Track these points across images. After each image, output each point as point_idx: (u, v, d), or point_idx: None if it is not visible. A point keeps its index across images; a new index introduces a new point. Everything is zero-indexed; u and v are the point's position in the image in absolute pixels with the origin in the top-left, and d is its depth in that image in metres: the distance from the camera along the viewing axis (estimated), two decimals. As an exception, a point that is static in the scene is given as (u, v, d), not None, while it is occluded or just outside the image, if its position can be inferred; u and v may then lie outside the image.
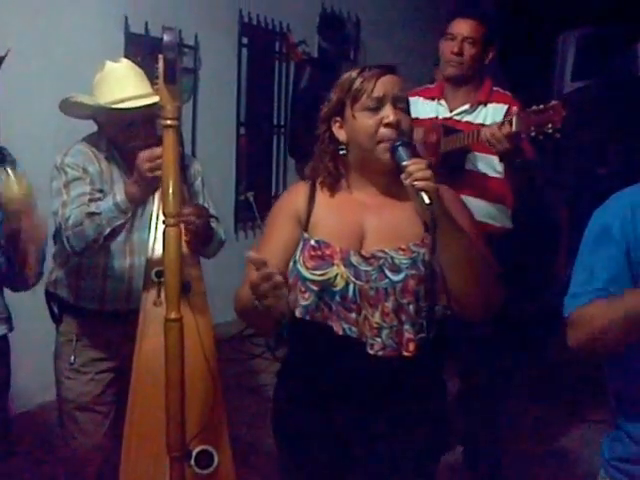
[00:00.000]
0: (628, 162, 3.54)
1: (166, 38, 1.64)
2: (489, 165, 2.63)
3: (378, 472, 1.65)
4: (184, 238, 2.00)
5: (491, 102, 2.67)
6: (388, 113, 1.56)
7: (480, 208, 2.67)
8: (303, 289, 1.59)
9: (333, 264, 1.57)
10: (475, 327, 2.74)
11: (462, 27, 2.67)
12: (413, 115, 2.77)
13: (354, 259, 1.58)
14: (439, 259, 1.55)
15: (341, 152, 1.64)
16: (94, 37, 3.63)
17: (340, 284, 1.57)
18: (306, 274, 1.58)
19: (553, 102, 2.19)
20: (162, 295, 2.03)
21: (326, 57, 5.27)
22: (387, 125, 1.56)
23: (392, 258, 1.57)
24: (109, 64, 2.21)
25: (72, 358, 2.29)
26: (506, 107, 2.62)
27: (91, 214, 2.05)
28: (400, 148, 1.53)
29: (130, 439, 2.01)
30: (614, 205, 1.56)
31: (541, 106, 2.21)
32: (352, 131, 1.61)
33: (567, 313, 1.53)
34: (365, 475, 1.67)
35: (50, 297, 2.36)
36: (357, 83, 1.59)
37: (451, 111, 2.71)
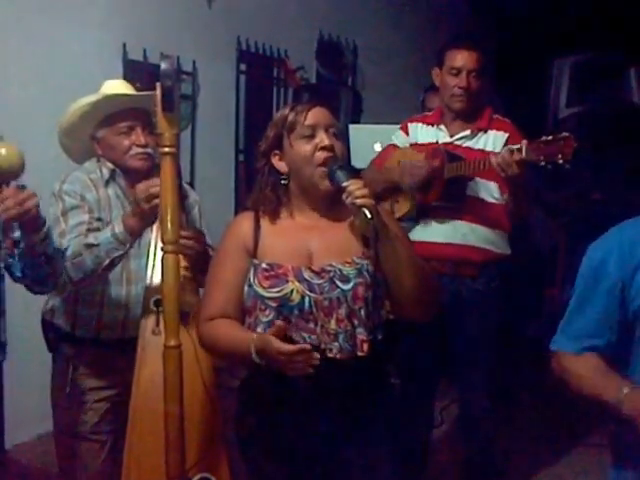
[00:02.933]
0: (623, 188, 3.56)
1: (164, 66, 1.64)
2: (488, 191, 2.65)
3: (344, 471, 1.77)
4: (183, 265, 2.00)
5: (491, 129, 2.69)
6: (322, 138, 1.73)
7: (481, 234, 2.68)
8: (263, 307, 1.70)
9: (288, 281, 1.70)
10: (474, 353, 2.75)
11: (467, 60, 2.67)
12: (413, 140, 2.82)
13: (306, 274, 1.71)
14: (382, 267, 1.71)
15: (283, 182, 1.78)
16: (93, 64, 3.65)
17: (296, 298, 1.68)
18: (263, 293, 1.70)
19: (564, 134, 2.24)
20: (161, 324, 2.03)
21: (324, 83, 5.30)
22: (322, 148, 1.72)
23: (340, 270, 1.71)
24: (107, 81, 2.32)
25: (68, 388, 2.27)
26: (507, 135, 2.64)
27: (90, 245, 2.06)
28: (337, 171, 1.69)
29: (129, 467, 2.01)
30: (612, 240, 1.54)
31: (550, 137, 2.24)
32: (291, 160, 1.76)
33: (554, 348, 1.58)
34: (333, 475, 1.77)
35: (46, 326, 2.36)
36: (291, 116, 1.76)
37: (451, 136, 2.73)
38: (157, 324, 2.08)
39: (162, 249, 1.75)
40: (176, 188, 1.73)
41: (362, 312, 1.70)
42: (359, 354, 1.69)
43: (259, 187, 1.82)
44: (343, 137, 1.82)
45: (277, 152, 1.78)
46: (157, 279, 2.11)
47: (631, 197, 3.44)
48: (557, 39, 4.62)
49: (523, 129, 2.67)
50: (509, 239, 2.76)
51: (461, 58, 2.68)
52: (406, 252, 1.72)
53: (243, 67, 4.82)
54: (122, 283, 2.24)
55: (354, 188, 1.63)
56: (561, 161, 2.21)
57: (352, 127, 3.74)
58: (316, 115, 1.76)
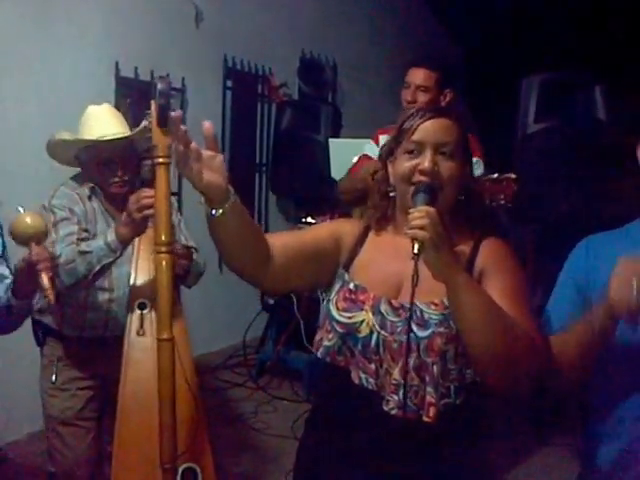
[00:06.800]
0: (589, 199, 3.71)
1: (160, 86, 1.75)
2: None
3: None
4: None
5: None
6: (424, 159, 1.48)
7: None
8: (329, 328, 1.54)
9: (362, 309, 1.51)
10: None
11: (415, 76, 2.86)
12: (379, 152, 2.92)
13: (383, 307, 1.50)
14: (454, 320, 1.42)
15: (390, 194, 1.59)
16: (87, 81, 3.76)
17: (364, 331, 1.49)
18: (334, 314, 1.53)
19: (506, 175, 2.29)
20: (145, 325, 2.21)
21: (305, 99, 5.44)
22: (421, 172, 1.48)
23: (421, 311, 1.46)
24: (91, 107, 2.42)
25: (54, 377, 2.45)
26: None
27: (83, 252, 2.22)
28: (420, 193, 1.45)
29: (119, 459, 2.09)
30: (582, 246, 1.68)
31: (495, 175, 2.31)
32: (393, 173, 1.57)
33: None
34: None
35: (35, 323, 2.53)
36: (405, 125, 1.54)
37: None
38: (141, 325, 2.22)
39: (157, 251, 1.82)
40: (169, 195, 1.84)
41: (435, 368, 1.43)
42: (425, 419, 1.44)
43: (371, 193, 1.63)
44: (460, 156, 1.54)
45: (391, 159, 1.59)
46: (138, 284, 2.30)
47: (597, 208, 3.61)
48: (526, 58, 4.82)
49: (495, 143, 2.82)
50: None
51: (411, 74, 2.87)
52: (481, 306, 1.35)
53: (229, 83, 4.96)
54: (104, 288, 2.41)
55: (415, 216, 1.35)
56: (503, 202, 2.24)
57: (332, 141, 3.87)
58: (427, 130, 1.50)
